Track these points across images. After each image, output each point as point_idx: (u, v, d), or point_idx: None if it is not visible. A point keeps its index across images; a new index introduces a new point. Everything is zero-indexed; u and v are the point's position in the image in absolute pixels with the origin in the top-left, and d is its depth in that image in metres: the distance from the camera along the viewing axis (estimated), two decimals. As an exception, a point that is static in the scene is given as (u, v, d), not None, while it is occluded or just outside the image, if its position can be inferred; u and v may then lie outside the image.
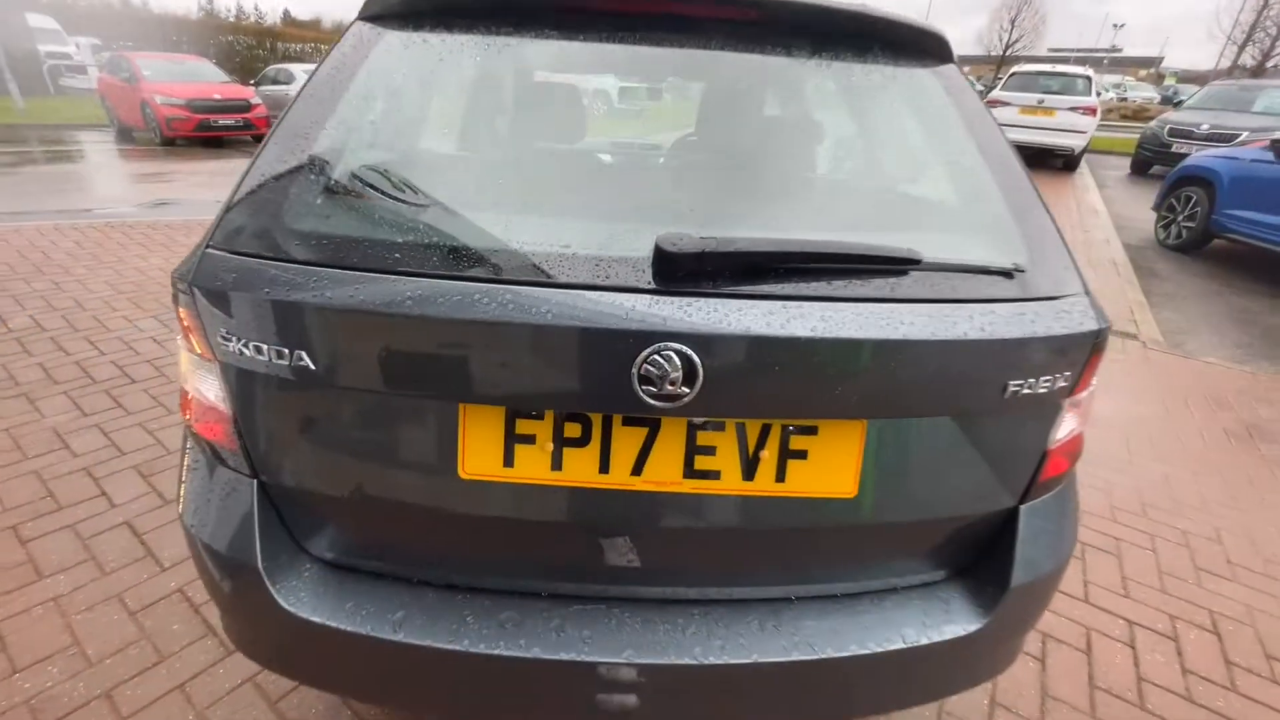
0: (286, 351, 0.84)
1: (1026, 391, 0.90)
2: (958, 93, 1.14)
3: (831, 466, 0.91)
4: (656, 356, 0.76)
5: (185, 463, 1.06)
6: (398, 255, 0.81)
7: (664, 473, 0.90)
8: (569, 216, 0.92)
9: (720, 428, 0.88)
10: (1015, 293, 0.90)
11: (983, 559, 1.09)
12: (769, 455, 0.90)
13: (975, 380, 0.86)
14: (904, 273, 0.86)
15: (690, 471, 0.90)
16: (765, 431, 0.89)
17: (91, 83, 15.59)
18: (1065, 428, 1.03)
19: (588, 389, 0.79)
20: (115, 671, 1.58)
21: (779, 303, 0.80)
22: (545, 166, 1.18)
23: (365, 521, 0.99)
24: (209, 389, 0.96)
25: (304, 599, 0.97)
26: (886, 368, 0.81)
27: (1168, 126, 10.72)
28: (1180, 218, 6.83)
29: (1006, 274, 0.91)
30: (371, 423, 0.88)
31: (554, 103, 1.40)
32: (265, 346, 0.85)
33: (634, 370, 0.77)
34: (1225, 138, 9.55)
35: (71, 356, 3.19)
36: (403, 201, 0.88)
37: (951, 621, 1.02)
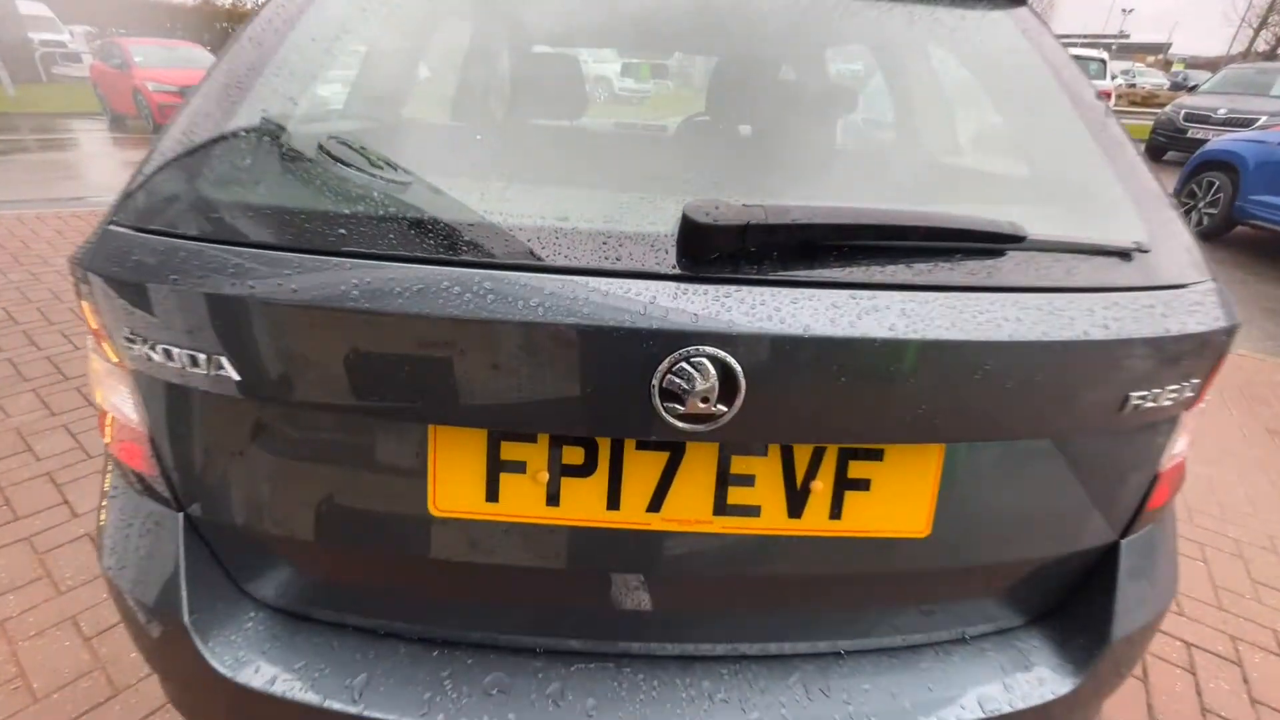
0: (203, 357, 0.65)
1: (1149, 405, 0.71)
2: (1038, 37, 0.94)
3: (900, 500, 0.73)
4: (685, 365, 0.57)
5: (104, 490, 0.87)
6: (342, 232, 0.62)
7: (689, 509, 0.71)
8: (565, 184, 0.73)
9: (761, 452, 0.70)
10: (1138, 279, 0.70)
11: (1070, 602, 0.90)
12: (822, 486, 0.71)
13: (1091, 392, 0.67)
14: (1001, 253, 0.66)
15: (723, 507, 0.71)
16: (818, 457, 0.70)
17: (85, 71, 15.31)
18: (1179, 446, 0.84)
19: (593, 407, 0.61)
20: (64, 708, 1.41)
21: (847, 293, 0.60)
22: (534, 122, 0.98)
23: (317, 565, 0.81)
24: (122, 402, 0.77)
25: (242, 658, 0.79)
26: (981, 378, 0.62)
27: (1183, 111, 10.37)
28: (1202, 204, 6.59)
29: (1125, 255, 0.71)
30: (316, 448, 0.70)
31: (548, 40, 1.18)
32: (177, 350, 0.66)
33: (655, 383, 0.58)
34: (1243, 122, 9.26)
35: (43, 351, 3.01)
36: (355, 165, 0.68)
37: (1037, 681, 0.84)
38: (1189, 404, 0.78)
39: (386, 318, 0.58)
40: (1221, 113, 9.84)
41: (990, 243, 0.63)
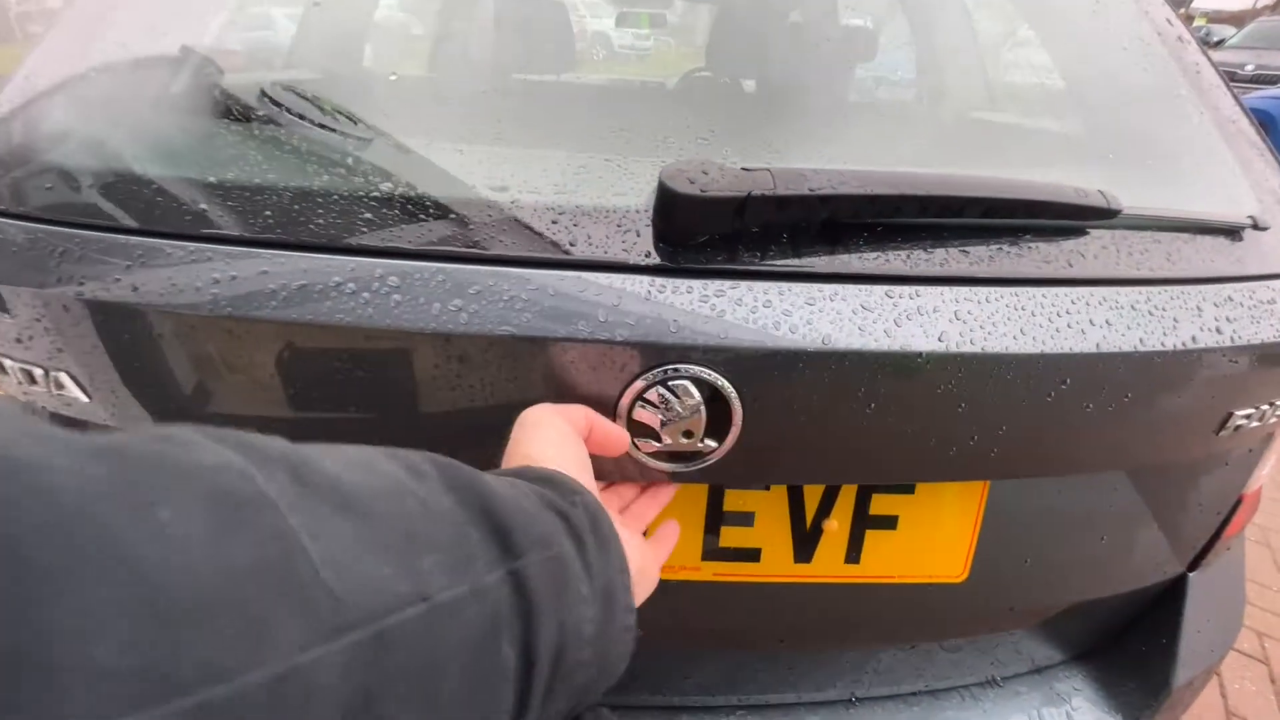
0: (40, 373, 0.50)
1: (1254, 425, 0.56)
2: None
3: (933, 540, 0.59)
4: (661, 389, 0.43)
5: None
6: (201, 208, 0.46)
7: (672, 554, 0.57)
8: (506, 143, 0.56)
9: (763, 486, 0.55)
10: (1253, 265, 0.55)
11: (1122, 639, 0.77)
12: (837, 526, 0.57)
13: (1188, 413, 0.52)
14: (1084, 233, 0.50)
15: (714, 551, 0.57)
16: (833, 491, 0.56)
17: (61, 28, 14.67)
18: (1269, 464, 0.69)
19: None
20: None
21: (881, 289, 0.45)
22: (478, 70, 0.80)
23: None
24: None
25: None
26: (1055, 401, 0.47)
27: None
28: (1227, 167, 6.29)
29: (1236, 233, 0.55)
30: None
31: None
32: (10, 363, 0.51)
33: (621, 412, 0.44)
34: (1273, 79, 8.82)
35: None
36: (217, 118, 0.52)
37: None
38: (1290, 416, 0.63)
39: (258, 325, 0.43)
40: (1249, 69, 9.32)
41: (1074, 218, 0.47)
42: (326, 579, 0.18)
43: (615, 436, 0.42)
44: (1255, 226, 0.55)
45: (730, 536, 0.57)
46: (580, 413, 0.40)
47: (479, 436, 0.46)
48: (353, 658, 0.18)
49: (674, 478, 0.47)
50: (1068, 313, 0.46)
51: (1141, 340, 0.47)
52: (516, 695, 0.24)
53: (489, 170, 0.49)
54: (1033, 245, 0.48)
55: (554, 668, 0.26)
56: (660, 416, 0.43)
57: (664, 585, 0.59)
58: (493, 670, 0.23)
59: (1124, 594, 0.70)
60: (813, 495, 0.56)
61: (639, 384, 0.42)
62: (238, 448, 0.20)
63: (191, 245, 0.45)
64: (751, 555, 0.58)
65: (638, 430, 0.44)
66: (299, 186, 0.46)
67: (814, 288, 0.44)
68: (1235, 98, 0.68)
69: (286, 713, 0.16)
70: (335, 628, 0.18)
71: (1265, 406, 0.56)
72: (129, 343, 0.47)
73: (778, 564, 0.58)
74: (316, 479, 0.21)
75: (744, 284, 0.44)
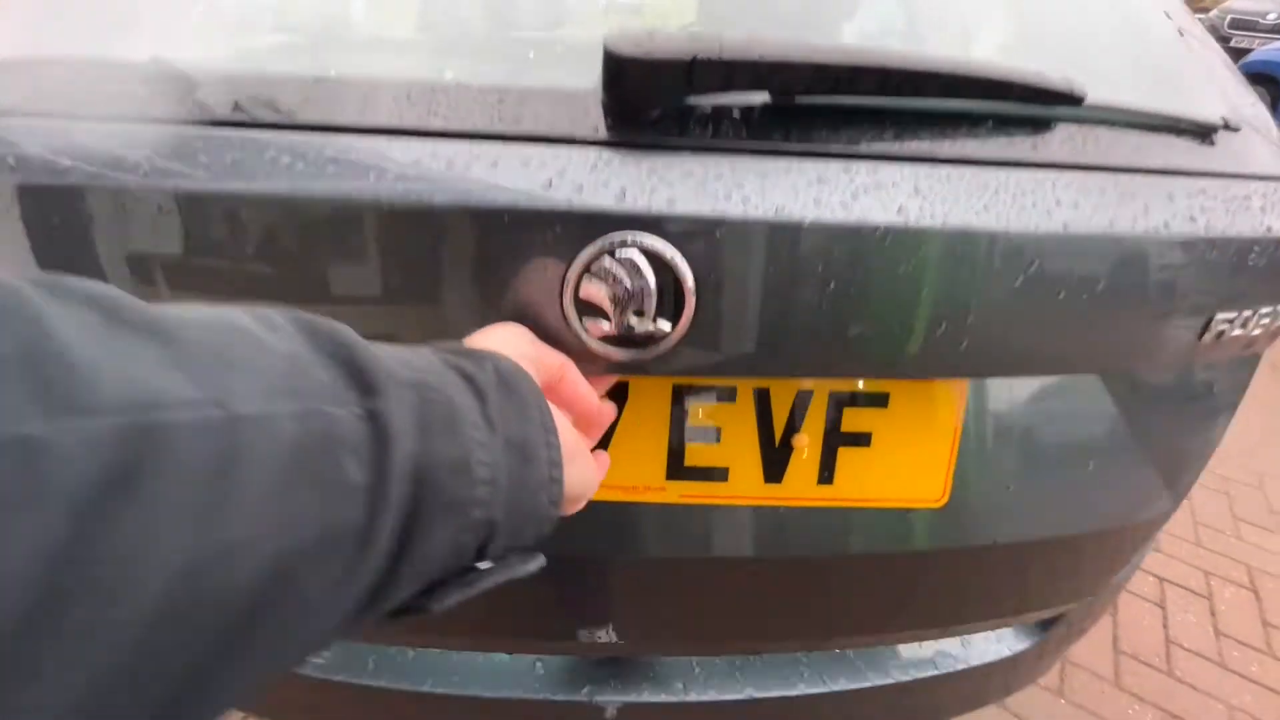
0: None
1: (1236, 332, 0.54)
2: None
3: (909, 458, 0.56)
4: (609, 260, 0.41)
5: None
6: (137, 89, 0.44)
7: (635, 472, 0.55)
8: (452, 32, 0.55)
9: (729, 396, 0.53)
10: (1226, 164, 0.53)
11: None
12: (808, 441, 0.55)
13: (1166, 310, 0.51)
14: (1049, 124, 0.49)
15: (679, 470, 0.55)
16: (802, 403, 0.54)
17: None
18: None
19: (484, 324, 0.44)
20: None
21: (838, 164, 0.43)
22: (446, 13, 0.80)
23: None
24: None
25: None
26: (1023, 286, 0.45)
27: (1229, 17, 9.11)
28: (1239, 123, 6.09)
29: (1208, 134, 0.54)
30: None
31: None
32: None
33: (567, 288, 0.42)
34: (1294, 28, 8.39)
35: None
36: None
37: (995, 638, 0.74)
38: (1274, 335, 0.61)
39: (192, 198, 0.41)
40: (1271, 18, 8.36)
41: (1037, 102, 0.46)
42: (82, 372, 0.17)
43: (585, 399, 0.40)
44: (1227, 127, 0.54)
45: (695, 454, 0.55)
46: (557, 357, 0.40)
47: (424, 308, 0.45)
48: (102, 439, 0.17)
49: (629, 367, 0.45)
50: (1033, 191, 0.45)
51: (1111, 222, 0.45)
52: (365, 507, 0.24)
53: (431, 53, 0.48)
54: (996, 129, 0.47)
55: (417, 490, 0.26)
56: (608, 291, 0.41)
57: (629, 508, 0.56)
58: (327, 480, 0.23)
59: (1111, 531, 0.67)
60: (781, 407, 0.54)
61: (585, 254, 0.41)
62: (40, 285, 0.19)
63: (126, 125, 0.43)
64: (718, 474, 0.55)
65: (587, 310, 0.42)
66: (242, 71, 0.45)
67: (768, 161, 0.43)
68: (1204, 29, 0.67)
69: (15, 472, 0.15)
70: (84, 410, 0.17)
71: (1247, 312, 0.54)
72: (64, 225, 0.45)
73: (747, 484, 0.56)
74: (130, 315, 0.20)
75: (696, 157, 0.42)
